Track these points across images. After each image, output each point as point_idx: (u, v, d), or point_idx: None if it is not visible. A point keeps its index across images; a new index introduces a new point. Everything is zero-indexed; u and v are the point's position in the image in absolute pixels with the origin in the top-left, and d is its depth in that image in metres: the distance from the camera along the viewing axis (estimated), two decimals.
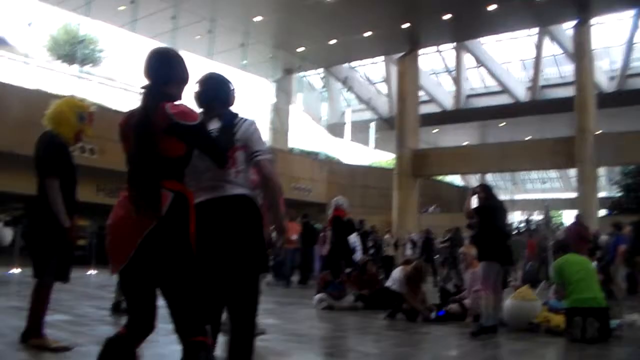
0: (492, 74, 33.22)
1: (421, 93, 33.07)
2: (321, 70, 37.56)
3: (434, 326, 8.66)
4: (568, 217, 38.68)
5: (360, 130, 38.63)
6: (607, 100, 28.06)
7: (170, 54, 3.15)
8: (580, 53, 26.65)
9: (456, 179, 46.84)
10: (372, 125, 38.90)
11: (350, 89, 37.38)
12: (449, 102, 35.41)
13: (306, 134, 40.06)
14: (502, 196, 8.58)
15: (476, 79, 35.33)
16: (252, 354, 3.25)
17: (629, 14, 28.75)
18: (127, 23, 28.46)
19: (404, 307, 9.38)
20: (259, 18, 27.55)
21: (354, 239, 14.25)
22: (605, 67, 31.75)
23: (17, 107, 18.22)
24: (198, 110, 3.41)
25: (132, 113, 2.98)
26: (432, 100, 35.39)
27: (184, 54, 3.21)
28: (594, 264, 10.12)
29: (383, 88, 37.52)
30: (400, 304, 9.42)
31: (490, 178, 44.88)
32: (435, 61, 35.34)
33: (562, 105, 29.07)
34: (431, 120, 34.12)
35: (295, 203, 24.41)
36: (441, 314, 9.27)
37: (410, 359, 6.00)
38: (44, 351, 5.04)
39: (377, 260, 17.94)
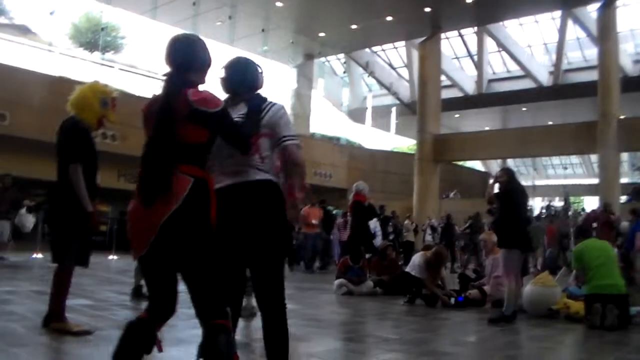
0: (515, 58, 32.88)
1: (443, 78, 32.83)
2: (342, 55, 37.48)
3: (453, 312, 8.67)
4: (590, 203, 38.35)
5: (381, 116, 38.54)
6: (632, 84, 27.66)
7: (191, 39, 3.14)
8: (605, 36, 26.20)
9: (477, 165, 46.58)
10: (393, 110, 38.78)
11: (371, 74, 37.22)
12: (470, 87, 35.18)
13: (327, 119, 40.04)
14: (523, 182, 8.52)
15: (498, 63, 35.05)
16: (287, 337, 3.27)
17: None
18: (148, 10, 28.57)
19: (423, 292, 9.40)
20: (279, 3, 27.50)
21: (374, 224, 14.25)
22: (630, 50, 31.24)
23: (41, 94, 18.43)
24: (224, 95, 3.40)
25: (154, 99, 3.00)
26: (453, 85, 35.15)
27: (204, 40, 3.20)
28: (615, 250, 10.04)
29: (404, 73, 37.27)
30: (420, 290, 9.43)
31: (511, 163, 44.55)
32: (457, 45, 35.07)
33: (585, 90, 28.78)
34: (452, 105, 33.97)
35: (317, 188, 24.40)
36: (460, 299, 9.28)
37: (430, 344, 6.02)
38: (65, 335, 5.10)
39: (397, 245, 17.95)
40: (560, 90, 31.59)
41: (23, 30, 35.25)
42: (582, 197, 45.65)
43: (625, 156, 38.30)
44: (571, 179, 47.10)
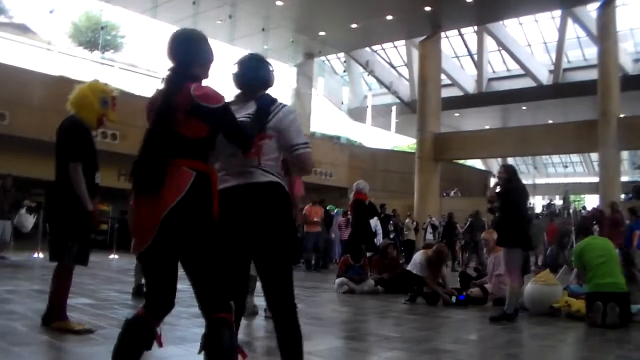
0: (514, 57, 32.91)
1: (443, 77, 32.84)
2: (342, 54, 37.48)
3: (454, 310, 8.66)
4: (590, 201, 38.39)
5: (381, 114, 38.56)
6: (631, 83, 27.71)
7: (194, 34, 3.12)
8: (605, 35, 26.23)
9: (477, 163, 46.60)
10: (394, 109, 38.81)
11: (371, 72, 37.25)
12: (470, 86, 35.20)
13: (327, 118, 40.03)
14: (524, 180, 8.51)
15: (498, 62, 35.09)
16: (301, 337, 3.26)
17: None
18: (148, 9, 28.59)
19: (424, 291, 9.40)
20: (279, 2, 27.50)
21: (374, 222, 14.25)
22: (630, 49, 31.28)
23: (40, 94, 18.44)
24: (236, 91, 3.39)
25: (157, 93, 3.00)
26: (453, 83, 35.17)
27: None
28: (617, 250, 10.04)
29: (404, 72, 37.32)
30: (421, 288, 9.42)
31: (511, 162, 44.48)
32: (457, 44, 35.12)
33: (585, 89, 28.82)
34: (453, 103, 33.99)
35: (317, 187, 24.40)
36: (462, 298, 9.27)
37: (431, 343, 6.01)
38: (67, 334, 5.09)
39: (397, 244, 17.96)
40: (560, 89, 31.62)
41: (22, 29, 35.28)
42: (582, 196, 45.69)
43: (625, 154, 38.31)
44: (571, 177, 47.19)
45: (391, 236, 18.55)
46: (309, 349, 5.25)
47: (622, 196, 27.25)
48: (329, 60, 39.54)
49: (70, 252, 5.22)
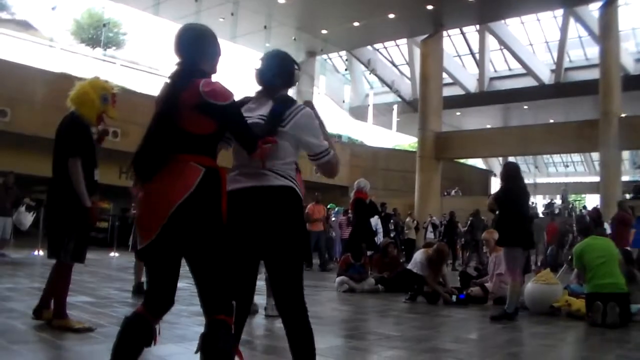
0: (516, 56, 32.83)
1: (444, 75, 32.76)
2: (344, 52, 37.44)
3: (455, 309, 8.66)
4: (591, 201, 38.39)
5: (382, 113, 38.52)
6: (633, 83, 27.67)
7: (201, 30, 3.10)
8: (606, 34, 26.16)
9: (479, 162, 46.60)
10: (395, 107, 38.75)
11: (373, 71, 37.20)
12: (472, 85, 35.16)
13: (329, 117, 40.00)
14: (525, 180, 8.49)
15: (500, 62, 35.02)
16: (313, 338, 3.24)
17: None
18: (150, 6, 28.58)
19: (425, 290, 9.40)
20: (282, 0, 27.48)
21: (375, 221, 14.24)
22: (631, 48, 31.24)
23: (42, 91, 18.41)
24: (258, 88, 3.34)
25: (164, 89, 2.99)
26: (455, 82, 35.11)
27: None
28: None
29: (406, 70, 37.27)
30: (422, 287, 9.43)
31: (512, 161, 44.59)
32: (459, 43, 35.09)
33: (586, 88, 28.78)
34: (454, 102, 33.97)
35: (318, 186, 24.37)
36: (462, 297, 9.27)
37: (431, 342, 6.01)
38: (67, 332, 5.10)
39: (398, 243, 17.97)
40: (562, 88, 31.58)
41: (24, 26, 35.32)
42: (583, 195, 45.69)
43: (626, 154, 38.27)
44: (572, 177, 47.16)
45: (392, 235, 18.56)
46: None
47: (627, 196, 27.24)
48: (330, 59, 39.50)
49: (66, 248, 5.22)
